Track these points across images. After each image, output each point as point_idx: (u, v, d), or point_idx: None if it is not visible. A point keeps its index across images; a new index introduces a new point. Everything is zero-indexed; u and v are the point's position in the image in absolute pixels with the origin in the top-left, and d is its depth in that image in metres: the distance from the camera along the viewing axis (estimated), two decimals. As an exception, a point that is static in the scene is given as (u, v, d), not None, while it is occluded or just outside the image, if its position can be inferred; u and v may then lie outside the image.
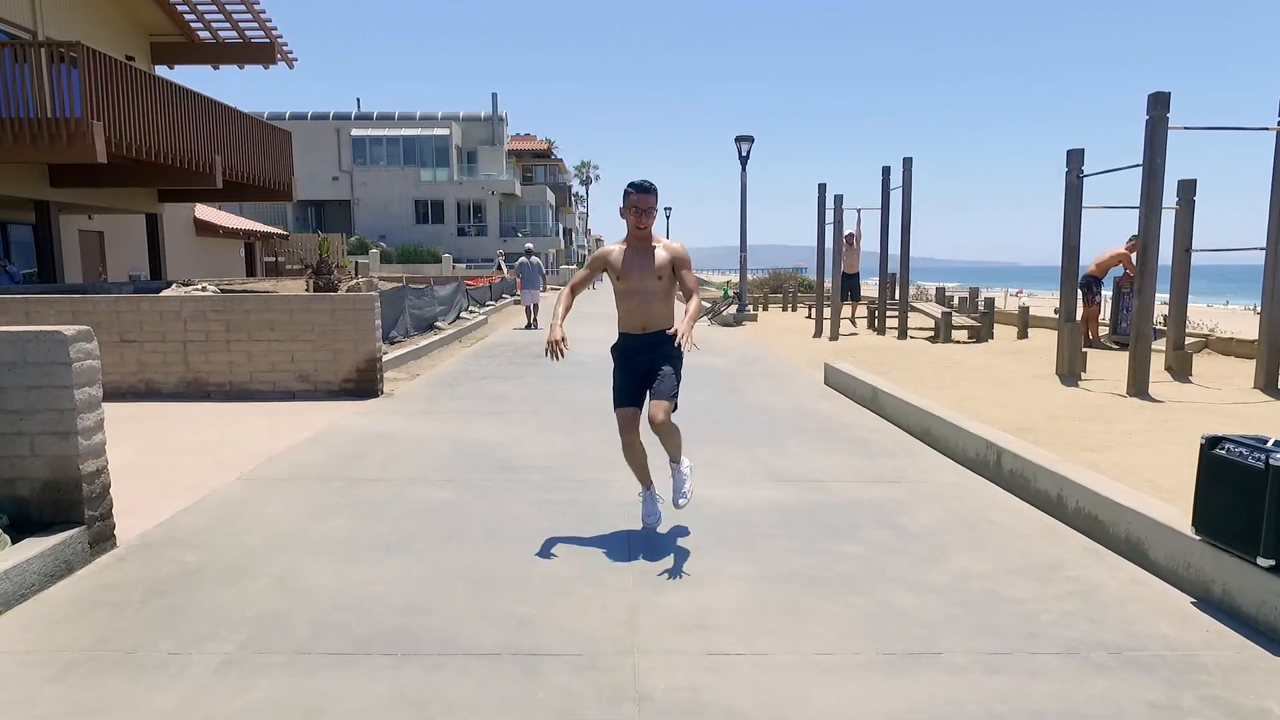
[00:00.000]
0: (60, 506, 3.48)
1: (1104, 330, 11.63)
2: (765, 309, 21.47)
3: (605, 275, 3.84)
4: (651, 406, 3.70)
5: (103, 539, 3.59)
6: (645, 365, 3.78)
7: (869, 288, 17.00)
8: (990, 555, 3.71)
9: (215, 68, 18.25)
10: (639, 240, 3.78)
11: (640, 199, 3.71)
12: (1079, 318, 9.00)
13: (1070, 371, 8.18)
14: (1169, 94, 6.86)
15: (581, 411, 7.17)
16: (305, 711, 2.39)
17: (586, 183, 77.69)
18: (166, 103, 12.26)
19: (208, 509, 4.34)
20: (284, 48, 17.86)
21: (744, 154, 16.87)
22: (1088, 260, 10.41)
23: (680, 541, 3.88)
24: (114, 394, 7.67)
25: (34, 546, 3.25)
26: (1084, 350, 8.67)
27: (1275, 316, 7.15)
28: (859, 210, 14.49)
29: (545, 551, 3.74)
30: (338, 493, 4.65)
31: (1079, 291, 9.33)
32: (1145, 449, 5.05)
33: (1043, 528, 4.10)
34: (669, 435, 3.76)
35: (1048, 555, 3.71)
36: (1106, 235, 11.30)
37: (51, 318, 7.43)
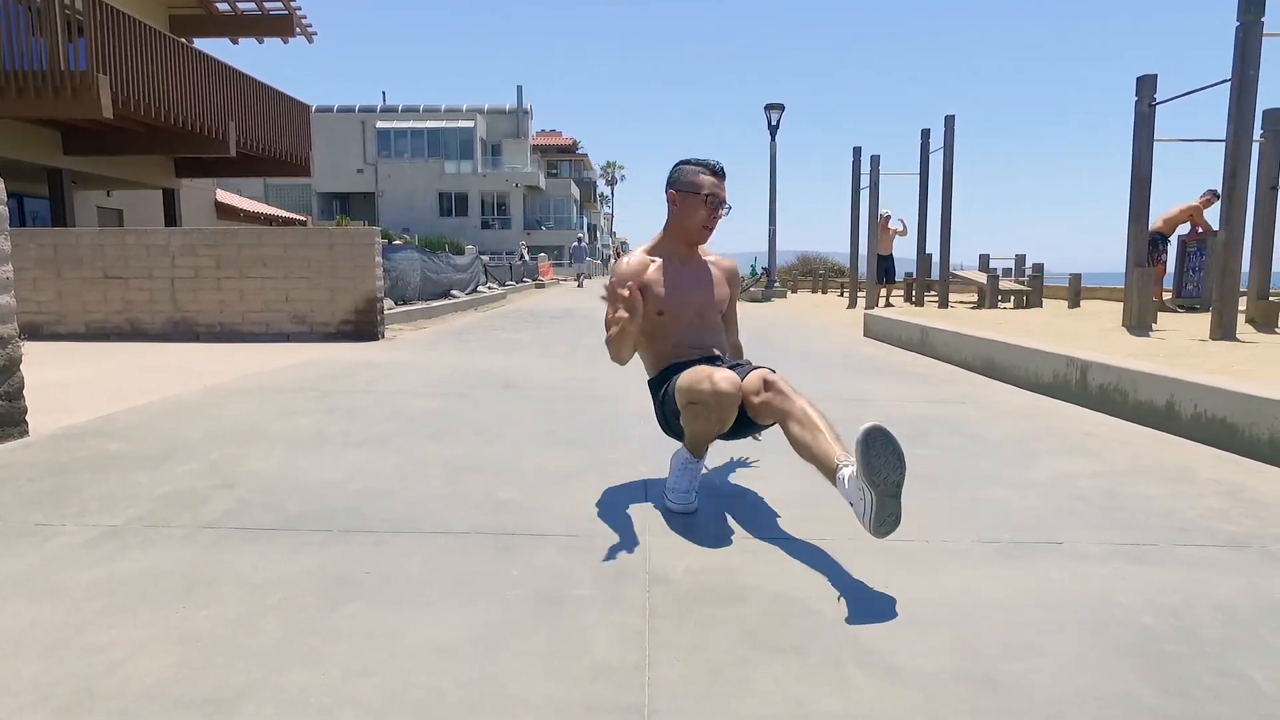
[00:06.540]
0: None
1: (1167, 295, 10.71)
2: (794, 291, 20.66)
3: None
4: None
5: (7, 423, 2.98)
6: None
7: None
8: (1096, 459, 2.97)
9: (234, 41, 17.92)
10: (688, 249, 2.45)
11: (721, 186, 2.39)
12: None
13: (1140, 322, 7.32)
14: (1264, -5, 6.05)
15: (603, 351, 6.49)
16: (188, 584, 1.73)
17: (612, 183, 76.85)
18: (178, 62, 11.77)
19: (153, 409, 3.72)
20: (302, 20, 17.48)
21: (774, 123, 16.12)
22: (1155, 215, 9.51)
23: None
24: (98, 334, 7.16)
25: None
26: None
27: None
28: (888, 214, 13.37)
29: (544, 446, 3.06)
30: (310, 400, 4.01)
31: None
32: (1257, 376, 4.25)
33: (1152, 438, 3.35)
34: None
35: (1168, 460, 2.96)
36: (1168, 196, 10.32)
37: (32, 250, 6.94)
